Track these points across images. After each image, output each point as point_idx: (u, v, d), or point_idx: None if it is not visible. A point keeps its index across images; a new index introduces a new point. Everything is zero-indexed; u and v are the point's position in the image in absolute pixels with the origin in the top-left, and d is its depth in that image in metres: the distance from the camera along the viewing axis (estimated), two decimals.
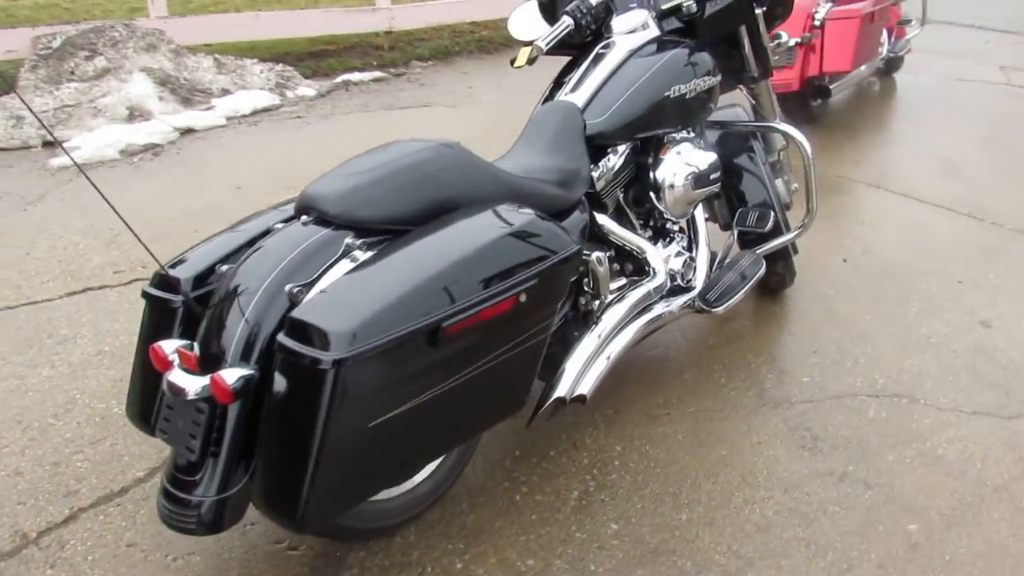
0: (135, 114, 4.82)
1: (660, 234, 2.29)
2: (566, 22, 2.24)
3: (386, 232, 1.58)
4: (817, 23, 4.60)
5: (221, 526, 1.46)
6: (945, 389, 2.42)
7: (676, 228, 2.34)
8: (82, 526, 1.86)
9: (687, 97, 2.17)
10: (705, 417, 2.28)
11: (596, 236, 2.13)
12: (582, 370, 1.90)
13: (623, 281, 2.16)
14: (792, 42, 2.59)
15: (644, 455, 2.13)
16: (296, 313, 1.37)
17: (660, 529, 1.89)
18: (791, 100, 4.98)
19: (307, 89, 5.71)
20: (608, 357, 1.97)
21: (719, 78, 2.28)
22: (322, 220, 1.58)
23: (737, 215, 2.52)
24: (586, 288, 1.99)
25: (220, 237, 1.71)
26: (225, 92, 5.37)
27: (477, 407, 1.56)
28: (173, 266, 1.66)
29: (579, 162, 2.01)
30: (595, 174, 2.09)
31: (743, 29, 2.39)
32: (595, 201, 2.12)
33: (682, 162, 2.19)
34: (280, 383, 1.36)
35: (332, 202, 1.57)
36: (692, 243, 2.37)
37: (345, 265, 1.51)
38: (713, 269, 2.39)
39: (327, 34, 6.67)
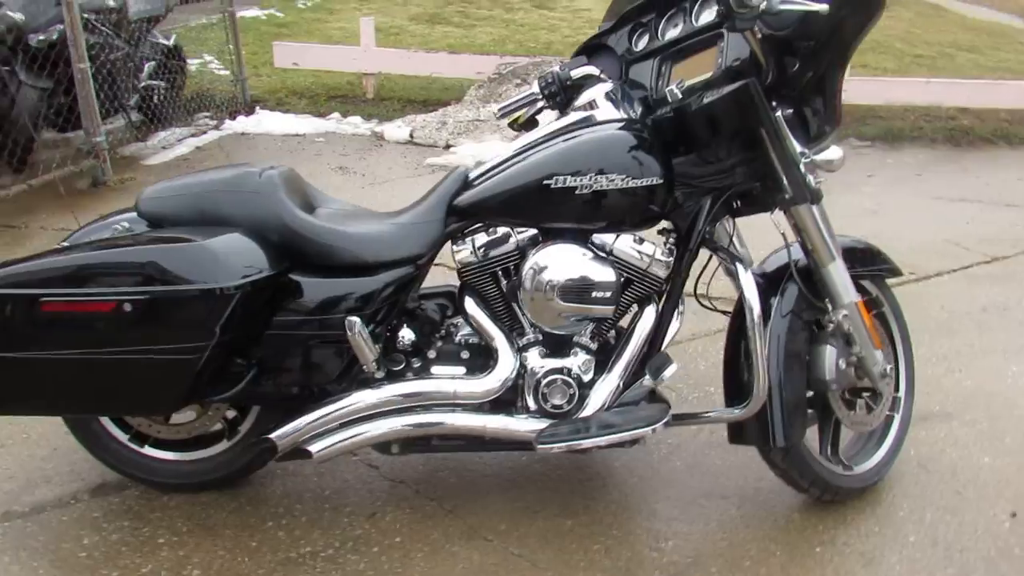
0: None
1: (550, 341, 1.95)
2: (532, 90, 2.08)
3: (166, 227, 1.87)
4: None
5: None
6: None
7: (587, 339, 1.95)
8: None
9: (576, 192, 1.80)
10: (513, 566, 1.90)
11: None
12: (314, 427, 1.85)
13: (459, 369, 1.95)
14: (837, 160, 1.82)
15: (405, 560, 1.92)
16: None
17: None
18: None
19: None
20: (356, 434, 1.86)
21: (651, 181, 1.80)
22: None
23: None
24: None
25: None
26: None
27: (97, 389, 1.74)
28: None
29: (418, 229, 1.89)
30: (460, 247, 1.93)
31: (765, 135, 1.81)
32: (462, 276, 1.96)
33: (553, 264, 1.84)
34: None
35: (141, 196, 1.92)
36: (608, 367, 1.93)
37: None
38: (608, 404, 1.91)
39: None
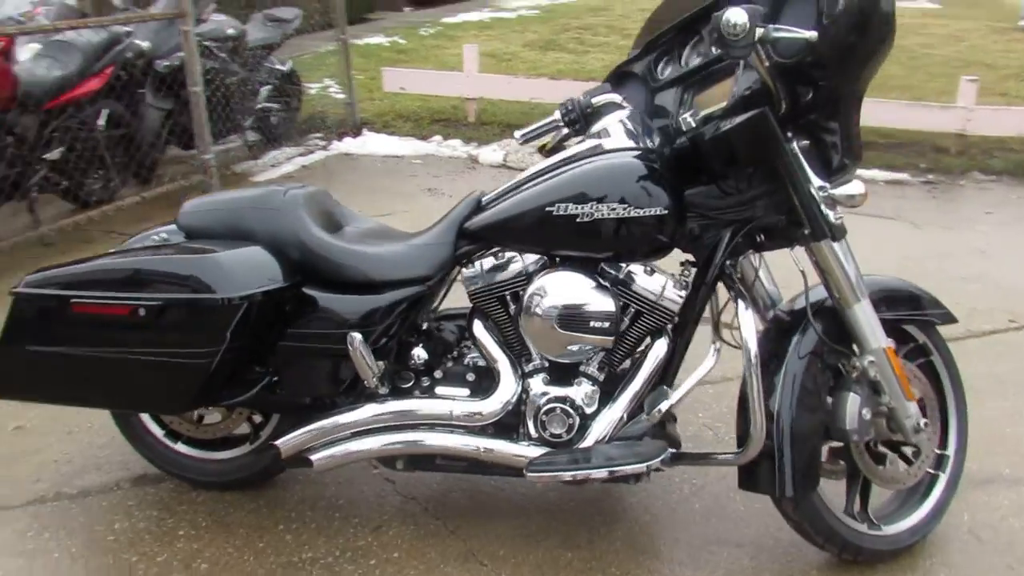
0: None
1: (556, 369, 1.92)
2: (553, 116, 2.07)
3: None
4: None
5: None
6: None
7: (594, 370, 1.91)
8: None
9: (578, 220, 1.77)
10: None
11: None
12: (317, 437, 1.91)
13: (463, 391, 1.96)
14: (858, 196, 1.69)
15: (399, 575, 1.94)
16: None
17: None
18: None
19: None
20: (356, 448, 1.91)
21: (656, 211, 1.75)
22: None
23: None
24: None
25: None
26: None
27: (121, 386, 1.87)
28: None
29: (429, 250, 1.93)
30: (469, 271, 1.94)
31: (781, 167, 1.73)
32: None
33: (553, 291, 1.82)
34: None
35: (181, 210, 2.07)
36: (613, 398, 1.89)
37: None
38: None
39: (890, 127, 6.08)
